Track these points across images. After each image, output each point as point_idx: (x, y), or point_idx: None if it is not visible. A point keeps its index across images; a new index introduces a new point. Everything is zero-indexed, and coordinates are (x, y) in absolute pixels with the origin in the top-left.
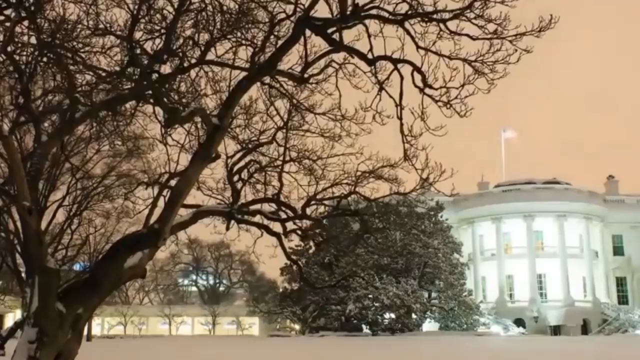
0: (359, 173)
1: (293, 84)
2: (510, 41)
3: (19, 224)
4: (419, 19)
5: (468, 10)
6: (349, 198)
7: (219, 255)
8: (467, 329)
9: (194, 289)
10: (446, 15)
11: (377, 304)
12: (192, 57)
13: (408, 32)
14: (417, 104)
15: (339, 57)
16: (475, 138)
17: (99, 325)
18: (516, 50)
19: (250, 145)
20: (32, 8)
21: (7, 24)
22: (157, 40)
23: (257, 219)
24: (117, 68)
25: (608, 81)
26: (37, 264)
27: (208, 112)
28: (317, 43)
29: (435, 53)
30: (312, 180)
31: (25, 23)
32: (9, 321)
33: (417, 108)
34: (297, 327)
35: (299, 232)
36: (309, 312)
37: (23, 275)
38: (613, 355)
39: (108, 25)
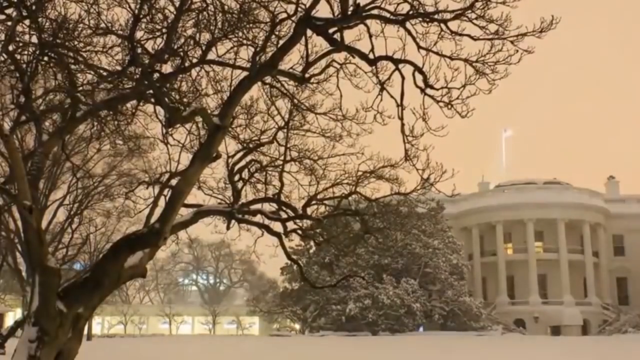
0: (359, 173)
1: (294, 84)
2: (512, 42)
3: (19, 223)
4: (420, 19)
5: (469, 11)
6: (350, 198)
7: (219, 255)
8: (467, 329)
9: (195, 288)
10: (447, 16)
11: (377, 304)
12: (193, 56)
13: (409, 32)
14: (418, 104)
15: (340, 57)
16: (476, 138)
17: (99, 324)
18: (517, 50)
19: (251, 145)
20: (34, 7)
21: (9, 23)
22: (159, 40)
23: (258, 218)
24: (118, 67)
25: (608, 80)
26: (37, 263)
27: (209, 111)
28: (318, 43)
29: (437, 53)
30: (312, 180)
31: (27, 22)
32: (10, 320)
33: (419, 108)
34: (297, 326)
35: (300, 231)
36: (309, 311)
37: (24, 274)
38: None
39: (109, 24)
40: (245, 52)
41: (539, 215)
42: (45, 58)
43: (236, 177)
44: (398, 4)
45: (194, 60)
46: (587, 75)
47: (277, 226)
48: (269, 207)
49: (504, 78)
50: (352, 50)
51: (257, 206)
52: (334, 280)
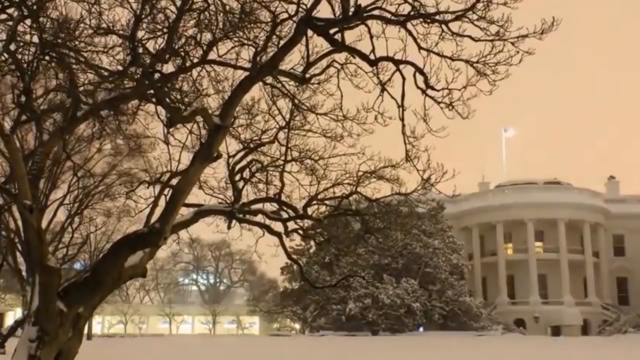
0: (360, 173)
1: (295, 84)
2: (512, 43)
3: (20, 222)
4: (421, 20)
5: (470, 12)
6: (350, 198)
7: (219, 255)
8: (467, 329)
9: (195, 288)
10: (448, 17)
11: (377, 304)
12: (194, 56)
13: (410, 33)
14: (419, 105)
15: (341, 57)
16: (476, 138)
17: (99, 324)
18: (518, 51)
19: (252, 145)
20: (35, 7)
21: (10, 22)
22: (160, 40)
23: (259, 218)
24: (120, 67)
25: (609, 80)
26: (37, 262)
27: (210, 111)
28: (319, 43)
29: (437, 54)
30: (313, 180)
31: (28, 22)
32: (10, 320)
33: (419, 109)
34: (297, 326)
35: (300, 231)
36: (309, 311)
37: (24, 273)
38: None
39: (110, 24)
40: (246, 52)
41: (539, 215)
42: (47, 58)
43: (237, 177)
44: (399, 5)
45: (195, 60)
46: (587, 75)
47: (277, 226)
48: (269, 207)
49: (504, 79)
50: (353, 51)
51: (258, 206)
52: (334, 280)
